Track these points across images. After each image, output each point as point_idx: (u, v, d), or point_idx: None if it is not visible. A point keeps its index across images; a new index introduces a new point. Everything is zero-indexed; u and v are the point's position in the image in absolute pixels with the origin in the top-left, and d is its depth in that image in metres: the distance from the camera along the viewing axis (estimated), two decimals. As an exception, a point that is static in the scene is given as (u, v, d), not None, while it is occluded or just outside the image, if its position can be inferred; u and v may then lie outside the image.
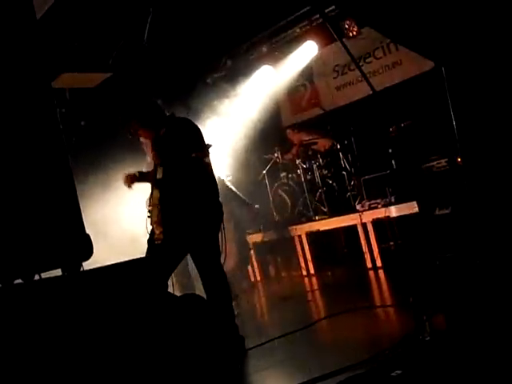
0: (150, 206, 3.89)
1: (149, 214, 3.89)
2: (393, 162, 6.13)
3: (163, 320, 2.23)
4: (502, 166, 5.00)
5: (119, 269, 2.07)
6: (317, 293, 6.20)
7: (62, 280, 1.96)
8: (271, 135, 8.43)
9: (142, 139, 4.37)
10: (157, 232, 3.78)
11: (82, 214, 2.07)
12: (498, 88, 4.71)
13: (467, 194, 4.74)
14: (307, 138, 7.65)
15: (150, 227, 3.93)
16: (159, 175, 3.78)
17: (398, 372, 2.21)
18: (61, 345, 1.84)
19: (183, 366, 2.31)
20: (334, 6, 6.76)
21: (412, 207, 5.76)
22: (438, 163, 5.17)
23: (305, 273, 7.18)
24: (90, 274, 2.00)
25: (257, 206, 6.80)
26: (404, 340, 3.14)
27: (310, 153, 7.52)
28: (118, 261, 2.13)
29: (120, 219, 5.93)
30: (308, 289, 6.49)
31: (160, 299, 2.29)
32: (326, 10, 6.92)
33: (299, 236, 7.25)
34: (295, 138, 7.99)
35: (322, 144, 7.58)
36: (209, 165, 3.90)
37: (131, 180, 4.02)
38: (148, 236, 3.90)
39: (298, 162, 7.51)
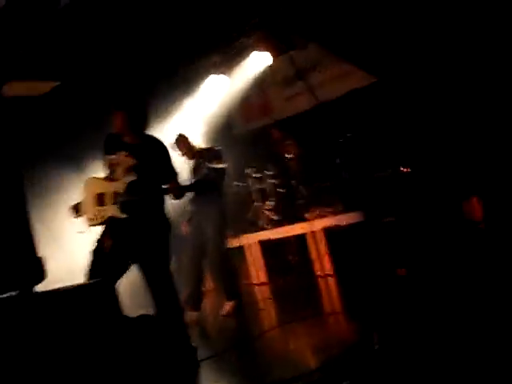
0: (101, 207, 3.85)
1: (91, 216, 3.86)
2: (342, 171, 6.28)
3: (115, 341, 2.22)
4: (444, 174, 5.20)
5: (75, 292, 2.06)
6: (268, 301, 6.26)
7: (13, 300, 1.93)
8: (221, 144, 8.44)
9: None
10: (108, 243, 3.74)
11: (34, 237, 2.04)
12: (438, 101, 4.91)
13: (411, 203, 4.91)
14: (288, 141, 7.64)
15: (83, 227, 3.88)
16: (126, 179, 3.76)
17: (347, 383, 2.28)
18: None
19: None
20: (281, 20, 6.85)
21: (360, 215, 5.90)
22: (382, 173, 5.33)
23: (256, 281, 7.23)
24: (42, 296, 1.98)
25: None
26: (353, 348, 3.22)
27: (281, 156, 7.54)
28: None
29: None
30: (259, 297, 6.54)
31: (113, 322, 2.28)
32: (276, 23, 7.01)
33: (250, 245, 7.29)
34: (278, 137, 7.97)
35: (294, 149, 7.60)
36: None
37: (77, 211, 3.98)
38: (94, 247, 3.82)
39: (248, 171, 7.57)
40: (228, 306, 5.57)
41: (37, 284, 2.02)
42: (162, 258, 3.87)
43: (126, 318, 2.80)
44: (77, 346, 2.04)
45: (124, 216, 3.75)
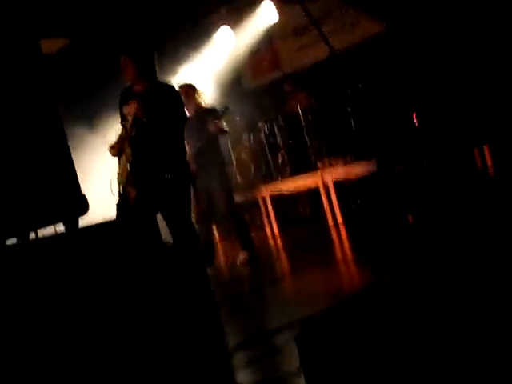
0: (121, 166, 3.94)
1: (117, 175, 3.96)
2: (352, 121, 6.28)
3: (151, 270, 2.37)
4: (454, 126, 5.21)
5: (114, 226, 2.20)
6: (281, 252, 6.40)
7: (62, 237, 2.08)
8: (232, 100, 8.45)
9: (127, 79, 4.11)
10: (132, 194, 3.82)
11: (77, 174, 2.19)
12: (452, 47, 4.87)
13: (423, 151, 4.93)
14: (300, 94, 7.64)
15: (115, 189, 3.96)
16: (133, 132, 3.83)
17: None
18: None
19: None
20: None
21: (371, 164, 5.92)
22: (395, 122, 5.33)
23: (269, 233, 7.34)
24: (88, 231, 2.14)
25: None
26: (363, 292, 3.32)
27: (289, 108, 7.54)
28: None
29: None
30: (273, 248, 6.68)
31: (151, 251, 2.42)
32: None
33: (263, 198, 7.38)
34: (290, 89, 7.96)
35: (305, 102, 7.59)
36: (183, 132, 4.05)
37: (117, 150, 4.05)
38: (117, 199, 3.92)
39: (260, 124, 7.60)
40: (243, 255, 5.71)
41: (81, 215, 2.17)
42: (182, 205, 3.95)
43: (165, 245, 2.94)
44: (120, 271, 2.19)
45: (132, 160, 3.83)
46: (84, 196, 2.19)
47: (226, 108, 5.75)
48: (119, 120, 4.10)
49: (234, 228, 5.90)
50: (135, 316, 2.27)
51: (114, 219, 2.35)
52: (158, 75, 4.06)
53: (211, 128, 5.42)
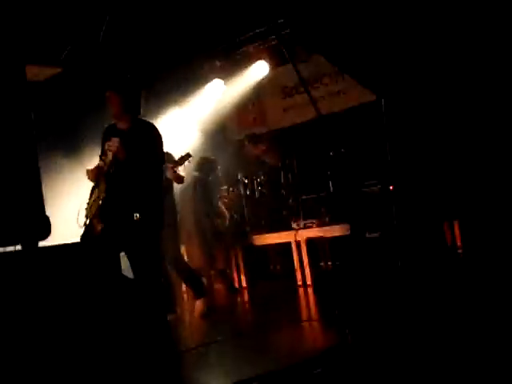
0: (92, 199, 3.92)
1: (86, 207, 3.94)
2: (330, 184, 6.40)
3: (111, 297, 2.32)
4: (427, 198, 5.34)
5: (76, 248, 2.18)
6: (246, 305, 6.35)
7: (19, 255, 2.06)
8: (215, 149, 8.54)
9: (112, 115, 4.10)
10: (97, 227, 3.80)
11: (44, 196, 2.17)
12: (431, 123, 5.05)
13: (396, 220, 5.02)
14: (263, 149, 7.72)
15: (81, 220, 3.93)
16: (111, 169, 3.83)
17: (319, 370, 2.36)
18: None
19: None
20: (287, 30, 6.99)
21: (345, 229, 6.00)
22: (372, 189, 5.44)
23: (237, 285, 7.30)
24: (45, 251, 2.11)
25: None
26: (327, 351, 3.31)
27: (258, 167, 7.62)
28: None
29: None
30: (239, 301, 6.63)
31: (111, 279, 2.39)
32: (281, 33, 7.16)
33: (235, 249, 7.38)
34: (252, 150, 8.05)
35: (273, 159, 7.70)
36: (162, 172, 4.07)
37: (95, 174, 4.00)
38: (83, 230, 3.88)
39: (239, 176, 7.67)
40: (199, 305, 5.48)
41: (43, 239, 2.14)
42: (147, 248, 3.90)
43: (124, 277, 2.89)
44: (75, 297, 2.15)
45: (103, 194, 3.81)
46: (47, 218, 2.17)
47: (187, 155, 5.52)
48: (99, 153, 4.12)
49: (183, 277, 5.70)
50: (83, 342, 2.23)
51: (74, 243, 2.32)
52: (143, 113, 4.11)
53: (168, 174, 5.26)
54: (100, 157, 4.07)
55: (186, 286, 5.71)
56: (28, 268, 2.07)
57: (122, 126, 4.03)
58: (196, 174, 6.80)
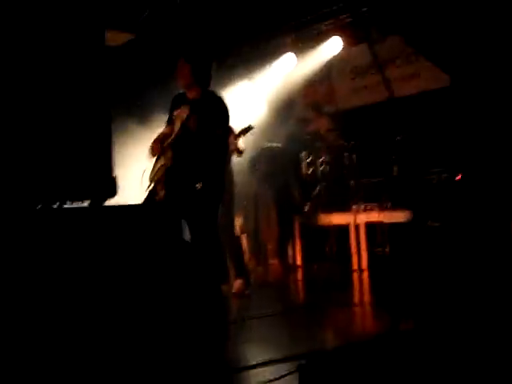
0: (157, 165, 4.00)
1: (151, 172, 4.02)
2: (394, 169, 6.26)
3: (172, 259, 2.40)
4: (496, 194, 5.13)
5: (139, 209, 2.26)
6: (300, 283, 6.37)
7: (86, 211, 2.16)
8: (281, 125, 8.52)
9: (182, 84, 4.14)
10: (160, 193, 3.88)
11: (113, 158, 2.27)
12: (508, 114, 4.83)
13: (460, 211, 4.87)
14: (326, 122, 7.71)
15: (145, 184, 4.01)
16: (179, 137, 3.89)
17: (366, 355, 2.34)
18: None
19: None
20: (364, 9, 6.83)
21: (406, 215, 5.87)
22: (438, 177, 5.29)
23: (291, 263, 7.33)
24: (110, 210, 2.21)
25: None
26: (376, 337, 3.28)
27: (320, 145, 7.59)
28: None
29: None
30: (292, 278, 6.66)
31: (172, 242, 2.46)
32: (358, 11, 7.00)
33: (294, 225, 7.40)
34: (315, 121, 8.03)
35: (334, 137, 7.64)
36: (227, 145, 4.08)
37: (156, 151, 4.06)
38: (146, 194, 3.98)
39: (302, 154, 7.63)
40: (238, 283, 5.38)
41: (109, 198, 2.23)
42: (206, 217, 3.96)
43: (185, 242, 2.96)
44: (136, 257, 2.23)
45: (170, 162, 3.87)
46: (114, 179, 2.25)
47: (249, 127, 5.46)
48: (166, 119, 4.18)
49: (230, 252, 5.51)
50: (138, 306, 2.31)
51: (138, 204, 2.41)
52: (214, 85, 4.13)
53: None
54: (167, 123, 4.13)
55: (230, 259, 5.50)
56: (93, 224, 2.16)
57: (191, 95, 4.07)
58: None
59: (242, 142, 5.47)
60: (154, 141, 4.09)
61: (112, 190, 2.21)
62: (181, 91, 4.20)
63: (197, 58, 4.03)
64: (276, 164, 7.14)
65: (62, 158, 2.15)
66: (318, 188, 7.47)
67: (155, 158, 4.10)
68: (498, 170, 5.09)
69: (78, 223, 2.13)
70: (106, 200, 2.24)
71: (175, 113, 4.04)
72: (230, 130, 5.37)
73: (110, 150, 2.25)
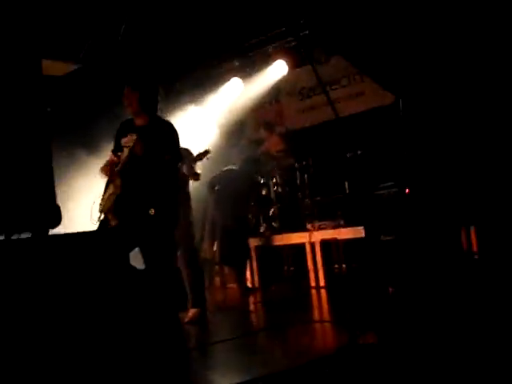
0: (106, 194, 3.95)
1: (101, 202, 3.96)
2: (346, 186, 6.37)
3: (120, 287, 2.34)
4: (444, 203, 5.28)
5: (87, 237, 2.21)
6: (258, 305, 6.34)
7: (29, 242, 2.09)
8: (233, 147, 8.56)
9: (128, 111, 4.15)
10: (112, 223, 3.83)
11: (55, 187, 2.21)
12: (450, 126, 5.00)
13: (411, 223, 4.98)
14: (279, 148, 7.82)
15: (96, 215, 3.95)
16: (127, 165, 3.86)
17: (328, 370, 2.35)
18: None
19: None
20: (307, 32, 6.98)
21: (359, 231, 5.97)
22: (388, 191, 5.40)
23: (250, 285, 7.30)
24: (55, 240, 2.14)
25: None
26: (338, 352, 3.29)
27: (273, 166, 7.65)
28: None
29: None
30: (251, 301, 6.62)
31: (120, 269, 2.40)
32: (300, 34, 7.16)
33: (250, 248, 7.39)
34: (267, 140, 8.12)
35: (288, 158, 7.74)
36: (178, 169, 4.08)
37: (108, 170, 4.01)
38: (98, 225, 3.91)
39: (256, 176, 7.69)
40: (192, 312, 5.19)
41: (53, 228, 2.17)
42: (163, 242, 3.92)
43: (135, 269, 2.90)
44: (83, 286, 2.17)
45: (119, 190, 3.83)
46: (58, 207, 2.21)
47: (206, 152, 5.44)
48: (112, 148, 4.15)
49: (188, 280, 5.28)
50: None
51: (83, 232, 2.35)
52: (163, 111, 4.13)
53: (184, 170, 5.22)
54: (113, 151, 4.10)
55: (189, 287, 5.28)
56: (37, 255, 2.10)
57: (139, 122, 4.06)
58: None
59: (198, 167, 5.45)
60: (103, 167, 4.04)
61: (56, 219, 2.17)
62: (128, 118, 4.18)
63: (143, 85, 4.04)
64: (234, 186, 7.15)
65: (1, 189, 2.09)
66: (272, 209, 7.52)
67: (104, 188, 4.05)
68: (444, 181, 5.25)
69: (26, 254, 2.07)
70: (50, 229, 2.19)
71: (123, 141, 4.01)
72: (187, 154, 5.40)
73: (51, 177, 2.21)
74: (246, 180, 7.40)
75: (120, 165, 3.93)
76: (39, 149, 2.19)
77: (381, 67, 4.58)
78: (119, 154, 4.01)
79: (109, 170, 3.98)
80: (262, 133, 8.19)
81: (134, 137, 3.88)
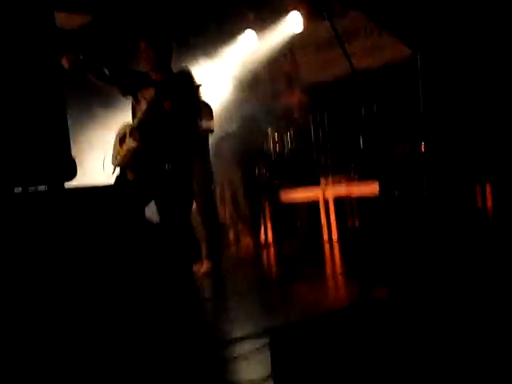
0: (122, 148, 3.94)
1: (116, 155, 3.96)
2: (361, 141, 6.32)
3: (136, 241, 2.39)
4: (460, 160, 5.23)
5: (103, 191, 2.24)
6: (271, 260, 6.43)
7: (45, 195, 2.13)
8: (247, 104, 8.49)
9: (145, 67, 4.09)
10: (130, 177, 3.85)
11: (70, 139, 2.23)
12: (468, 82, 4.91)
13: (426, 180, 4.96)
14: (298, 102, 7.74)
15: (109, 168, 3.96)
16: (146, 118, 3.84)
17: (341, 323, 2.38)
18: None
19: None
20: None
21: (373, 187, 5.95)
22: (402, 147, 5.37)
23: (263, 241, 7.37)
24: (71, 193, 2.18)
25: None
26: (349, 306, 3.34)
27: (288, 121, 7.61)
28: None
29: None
30: (265, 256, 6.70)
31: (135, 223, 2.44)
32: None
33: (263, 204, 7.42)
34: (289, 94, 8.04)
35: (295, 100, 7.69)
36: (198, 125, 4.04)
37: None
38: (114, 179, 3.93)
39: (269, 131, 7.65)
40: (206, 265, 5.26)
41: (68, 180, 2.20)
42: (177, 199, 3.95)
43: (151, 224, 2.95)
44: (99, 240, 2.21)
45: (136, 145, 3.82)
46: (73, 161, 2.22)
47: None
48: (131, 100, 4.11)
49: (205, 231, 5.33)
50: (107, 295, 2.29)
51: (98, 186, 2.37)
52: (176, 66, 4.09)
53: (203, 125, 5.14)
54: (132, 105, 4.07)
55: (206, 240, 5.30)
56: (53, 208, 2.13)
57: (156, 77, 4.03)
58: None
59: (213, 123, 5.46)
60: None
61: (71, 172, 2.19)
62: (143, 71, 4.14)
63: (160, 41, 4.00)
64: (231, 151, 7.06)
65: (18, 142, 2.11)
66: (286, 164, 7.52)
67: (116, 140, 4.03)
68: (460, 137, 5.19)
69: (42, 207, 2.10)
70: (65, 182, 2.22)
71: (140, 93, 4.00)
72: (208, 109, 5.37)
73: (67, 130, 2.21)
74: (245, 140, 7.34)
75: (138, 119, 3.91)
76: (53, 101, 2.20)
77: (398, 21, 4.47)
78: (135, 105, 3.99)
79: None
80: (281, 86, 8.07)
81: (152, 91, 3.87)
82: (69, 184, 2.25)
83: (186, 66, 4.07)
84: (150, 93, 3.89)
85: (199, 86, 3.96)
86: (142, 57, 3.99)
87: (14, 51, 2.14)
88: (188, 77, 4.00)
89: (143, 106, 3.93)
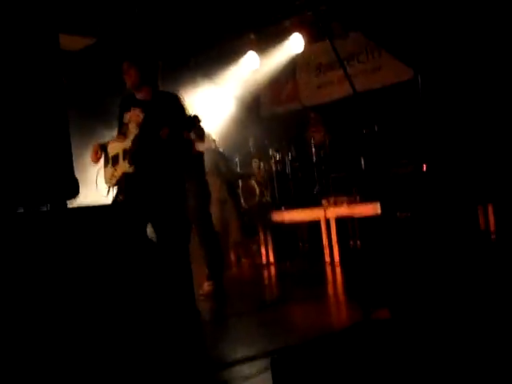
0: (118, 171, 3.93)
1: (110, 177, 3.95)
2: (362, 162, 6.33)
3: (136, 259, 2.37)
4: (462, 180, 5.23)
5: (104, 210, 2.24)
6: (273, 280, 6.39)
7: (47, 214, 2.12)
8: (248, 124, 8.54)
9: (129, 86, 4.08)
10: (122, 199, 3.83)
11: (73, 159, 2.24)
12: (469, 103, 4.93)
13: (427, 200, 4.95)
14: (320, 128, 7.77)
15: (102, 187, 3.95)
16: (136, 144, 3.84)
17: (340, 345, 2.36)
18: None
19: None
20: (324, 6, 6.88)
21: (375, 207, 5.94)
22: (404, 168, 5.37)
23: (264, 261, 7.34)
24: (75, 212, 2.18)
25: None
26: (351, 327, 3.30)
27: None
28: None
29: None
30: (265, 276, 6.67)
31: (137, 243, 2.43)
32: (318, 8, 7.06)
33: (263, 225, 7.41)
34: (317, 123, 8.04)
35: (318, 137, 7.68)
36: (191, 141, 4.07)
37: (100, 154, 3.99)
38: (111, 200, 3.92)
39: (271, 152, 7.67)
40: (207, 286, 5.21)
41: (70, 199, 2.20)
42: (174, 217, 3.93)
43: (152, 242, 2.93)
44: (99, 260, 2.20)
45: (132, 170, 3.82)
46: (76, 179, 2.22)
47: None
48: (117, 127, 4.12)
49: (205, 253, 5.27)
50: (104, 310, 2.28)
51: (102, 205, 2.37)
52: (177, 88, 4.10)
53: (199, 147, 5.18)
54: (119, 129, 4.06)
55: (207, 260, 5.27)
56: (56, 227, 2.12)
57: (140, 96, 4.02)
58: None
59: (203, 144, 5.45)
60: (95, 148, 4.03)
61: (74, 190, 2.19)
62: (129, 93, 4.13)
63: (141, 59, 4.01)
64: (216, 167, 7.03)
65: (21, 161, 2.11)
66: (286, 185, 7.52)
67: (108, 158, 4.01)
68: (462, 158, 5.19)
69: (45, 226, 2.10)
70: (68, 200, 2.22)
71: (126, 116, 3.98)
72: (201, 131, 5.37)
73: (69, 149, 2.22)
74: (255, 156, 7.33)
75: (131, 141, 3.88)
76: (56, 121, 2.21)
77: (399, 41, 4.51)
78: (123, 132, 3.98)
79: (97, 154, 3.97)
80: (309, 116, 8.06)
81: (138, 111, 3.88)
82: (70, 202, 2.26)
83: (178, 92, 4.13)
84: (136, 114, 3.89)
85: (186, 108, 3.99)
86: (125, 76, 4.00)
87: (19, 72, 2.16)
88: (175, 98, 4.01)
89: (132, 128, 3.91)
